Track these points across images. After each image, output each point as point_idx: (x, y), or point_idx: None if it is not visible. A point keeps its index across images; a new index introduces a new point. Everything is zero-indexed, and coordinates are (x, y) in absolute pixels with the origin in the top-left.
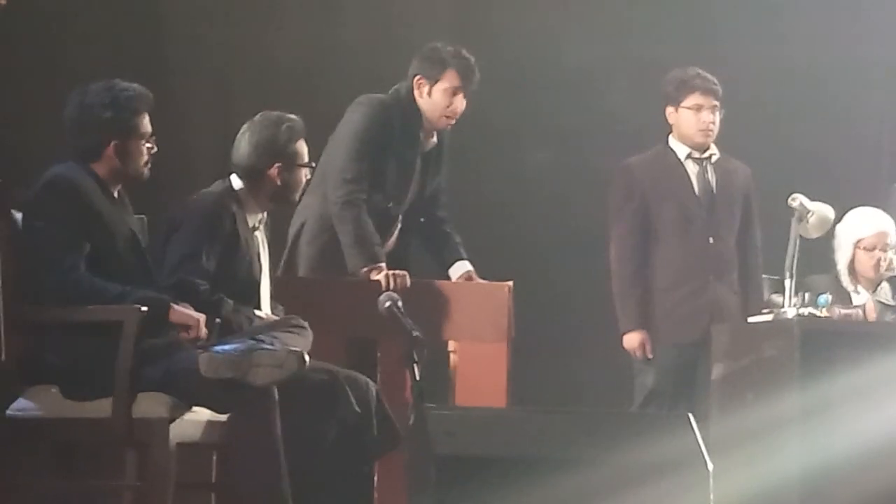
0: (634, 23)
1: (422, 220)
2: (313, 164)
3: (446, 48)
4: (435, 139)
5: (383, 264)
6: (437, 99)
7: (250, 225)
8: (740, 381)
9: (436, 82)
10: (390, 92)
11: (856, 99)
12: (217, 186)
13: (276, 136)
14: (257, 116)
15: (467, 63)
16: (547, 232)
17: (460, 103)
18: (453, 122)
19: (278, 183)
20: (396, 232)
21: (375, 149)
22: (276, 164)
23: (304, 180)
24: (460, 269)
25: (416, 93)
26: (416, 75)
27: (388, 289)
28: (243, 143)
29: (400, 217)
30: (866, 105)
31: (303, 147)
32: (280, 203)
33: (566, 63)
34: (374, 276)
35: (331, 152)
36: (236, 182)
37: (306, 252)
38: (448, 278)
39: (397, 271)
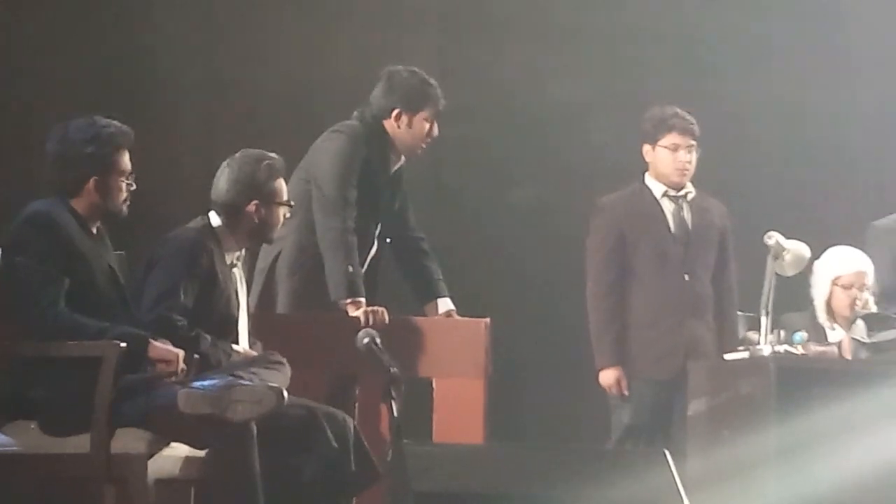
0: (620, 60)
1: (388, 240)
2: (292, 203)
3: (416, 77)
4: (402, 160)
5: (363, 299)
6: (417, 128)
7: (228, 262)
8: (717, 418)
9: (416, 113)
10: (354, 117)
11: (835, 137)
12: (195, 223)
13: (255, 173)
14: (238, 154)
15: (438, 91)
16: (526, 267)
17: (436, 128)
18: (428, 144)
19: (256, 220)
20: (370, 257)
21: (357, 175)
22: (254, 202)
23: (282, 218)
24: (441, 307)
25: (390, 123)
26: (393, 108)
27: (366, 325)
28: (222, 180)
29: (375, 240)
30: (845, 143)
31: (282, 185)
32: (257, 241)
33: (551, 99)
34: (353, 312)
35: (306, 181)
36: (214, 219)
37: (287, 284)
38: (424, 311)
39: (376, 308)
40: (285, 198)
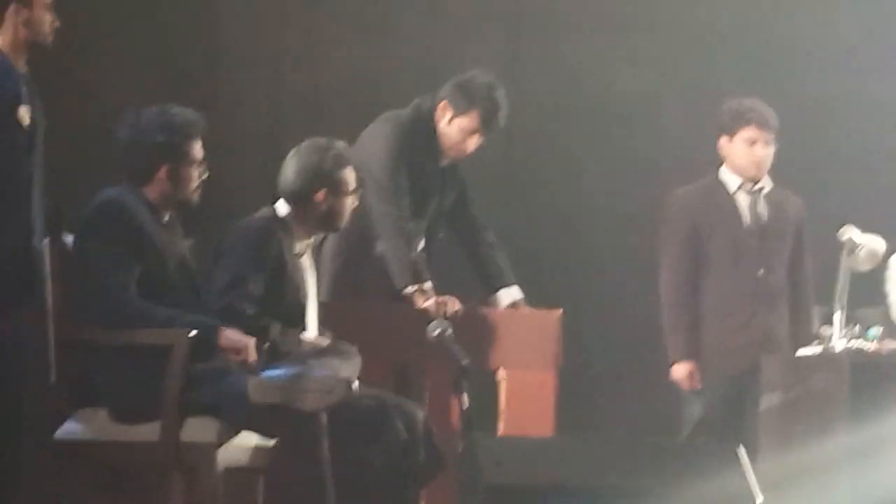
0: (689, 50)
1: (440, 236)
2: (359, 191)
3: (482, 84)
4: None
5: (429, 284)
6: (453, 131)
7: (296, 251)
8: (789, 414)
9: (458, 116)
10: (411, 107)
11: None
12: (263, 213)
13: (322, 162)
14: (305, 142)
15: (494, 109)
16: (597, 259)
17: (473, 144)
18: (462, 157)
19: (324, 209)
20: (419, 249)
21: (405, 164)
22: (322, 191)
23: (350, 207)
24: (508, 296)
25: (438, 114)
26: (443, 99)
27: (437, 316)
28: (290, 169)
29: (423, 233)
30: None
31: (350, 174)
32: (325, 229)
33: (620, 90)
34: (422, 303)
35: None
36: (282, 208)
37: (330, 268)
38: (492, 302)
39: (445, 297)
40: (353, 186)
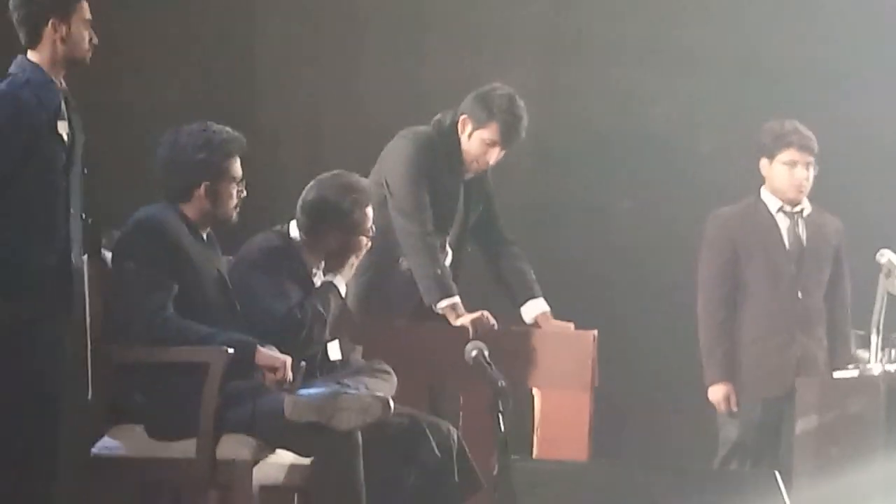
0: (725, 75)
1: (469, 250)
2: (373, 233)
3: (501, 96)
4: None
5: (458, 298)
6: (474, 144)
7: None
8: (825, 437)
9: (478, 128)
10: (433, 122)
11: None
12: (276, 230)
13: (340, 203)
14: (329, 176)
15: (514, 121)
16: (631, 281)
17: (493, 156)
18: (484, 169)
19: (334, 246)
20: (447, 264)
21: (425, 180)
22: (336, 230)
23: (363, 248)
24: (535, 308)
25: (459, 127)
26: (462, 114)
27: (474, 335)
28: (309, 199)
29: (448, 248)
30: None
31: (366, 216)
32: (333, 265)
33: (656, 115)
34: (457, 321)
35: (378, 184)
36: (294, 230)
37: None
38: (520, 315)
39: (480, 313)
40: (369, 226)
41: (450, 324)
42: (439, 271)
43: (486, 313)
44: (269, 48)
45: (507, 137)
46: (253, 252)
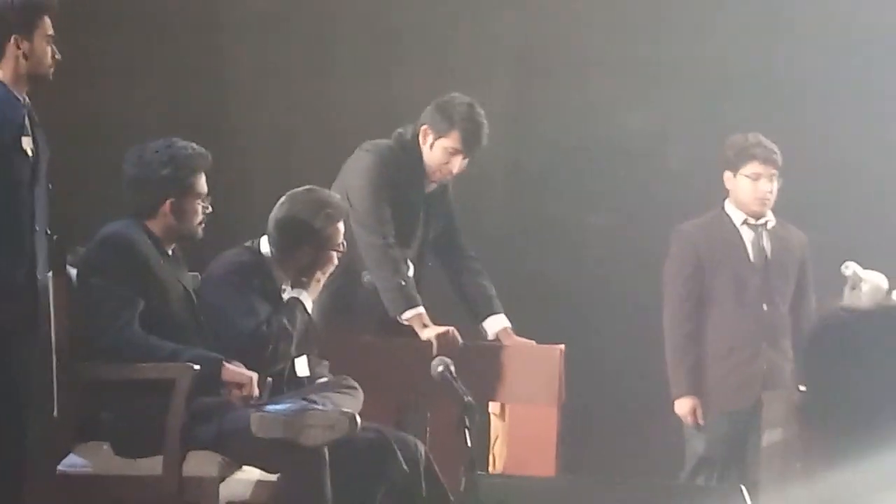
0: (693, 88)
1: (429, 264)
2: (344, 248)
3: (461, 104)
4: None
5: (422, 309)
6: (437, 153)
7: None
8: (790, 450)
9: (439, 137)
10: (394, 135)
11: None
12: (246, 246)
13: (313, 219)
14: (301, 192)
15: (475, 129)
16: (599, 296)
17: (457, 164)
18: (449, 178)
19: (305, 262)
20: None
21: (388, 193)
22: (307, 246)
23: (334, 263)
24: (496, 324)
25: (420, 139)
26: (423, 124)
27: (438, 350)
28: (280, 215)
29: (409, 262)
30: None
31: (338, 231)
32: (304, 277)
33: (625, 128)
34: (424, 335)
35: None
36: (264, 246)
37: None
38: (481, 331)
39: (446, 329)
40: (340, 241)
41: (417, 338)
42: (403, 282)
43: (452, 329)
44: (237, 62)
45: (468, 144)
46: (222, 268)
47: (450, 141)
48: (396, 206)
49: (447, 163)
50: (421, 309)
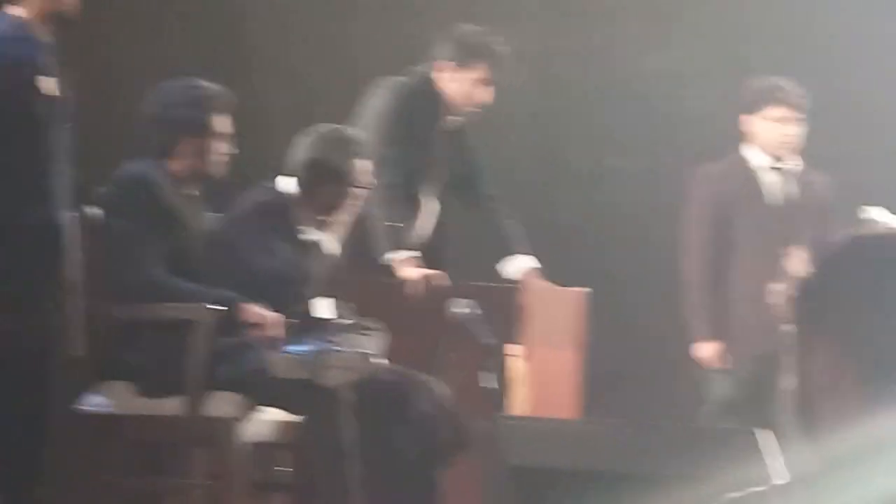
0: (714, 29)
1: (455, 202)
2: (369, 185)
3: (481, 37)
4: (457, 118)
5: (414, 254)
6: (465, 88)
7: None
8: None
9: (465, 71)
10: (411, 73)
11: None
12: (267, 186)
13: (332, 155)
14: (322, 129)
15: (500, 57)
16: (622, 240)
17: (488, 95)
18: (478, 109)
19: (328, 199)
20: (429, 217)
21: (402, 131)
22: (329, 183)
23: (358, 198)
24: (522, 265)
25: (441, 75)
26: (443, 60)
27: (418, 291)
28: (300, 154)
29: (431, 200)
30: None
31: (360, 167)
32: (329, 216)
33: (645, 70)
34: (410, 273)
35: None
36: (287, 186)
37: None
38: (504, 271)
39: (434, 271)
40: (364, 178)
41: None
42: (397, 224)
43: (438, 273)
44: (258, 7)
45: (498, 71)
46: (244, 209)
47: (478, 73)
48: (413, 144)
49: (475, 94)
50: (408, 254)
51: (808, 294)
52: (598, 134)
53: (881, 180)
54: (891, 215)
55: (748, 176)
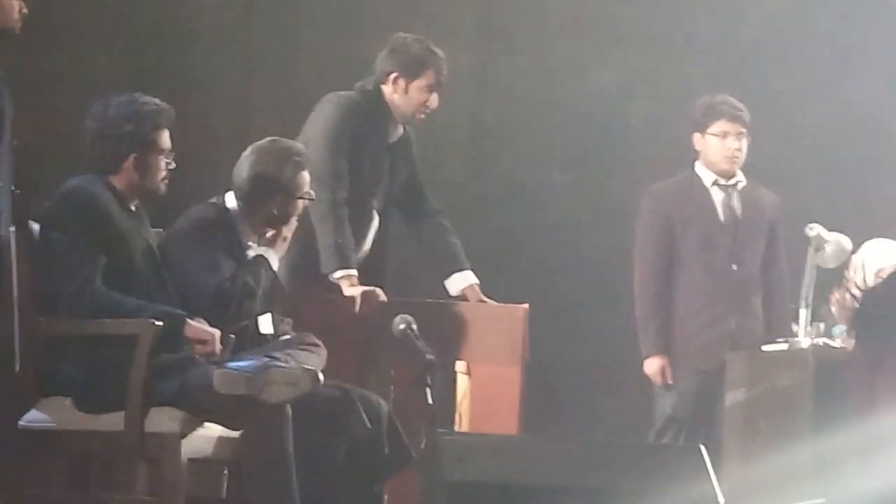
0: (658, 46)
1: (395, 217)
2: (314, 196)
3: (420, 44)
4: (400, 130)
5: (354, 272)
6: (414, 96)
7: (243, 242)
8: (754, 410)
9: (414, 80)
10: (356, 87)
11: (883, 129)
12: (212, 202)
13: (280, 169)
14: (266, 143)
15: (442, 61)
16: (564, 255)
17: (436, 99)
18: (427, 114)
19: (274, 212)
20: (373, 231)
21: (349, 145)
22: (276, 196)
23: (300, 209)
24: (462, 281)
25: (388, 88)
26: (391, 72)
27: (360, 307)
28: (245, 168)
29: (375, 213)
30: (893, 134)
31: (305, 179)
32: (272, 228)
33: (590, 90)
34: (348, 291)
35: None
36: (230, 201)
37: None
38: (446, 288)
39: (372, 288)
40: (307, 189)
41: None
42: (340, 241)
43: (376, 289)
44: (201, 15)
45: (442, 76)
46: (187, 224)
47: (426, 79)
48: (360, 157)
49: (426, 101)
50: (352, 271)
51: (875, 305)
52: (541, 148)
53: (823, 196)
54: (832, 233)
55: (698, 193)
